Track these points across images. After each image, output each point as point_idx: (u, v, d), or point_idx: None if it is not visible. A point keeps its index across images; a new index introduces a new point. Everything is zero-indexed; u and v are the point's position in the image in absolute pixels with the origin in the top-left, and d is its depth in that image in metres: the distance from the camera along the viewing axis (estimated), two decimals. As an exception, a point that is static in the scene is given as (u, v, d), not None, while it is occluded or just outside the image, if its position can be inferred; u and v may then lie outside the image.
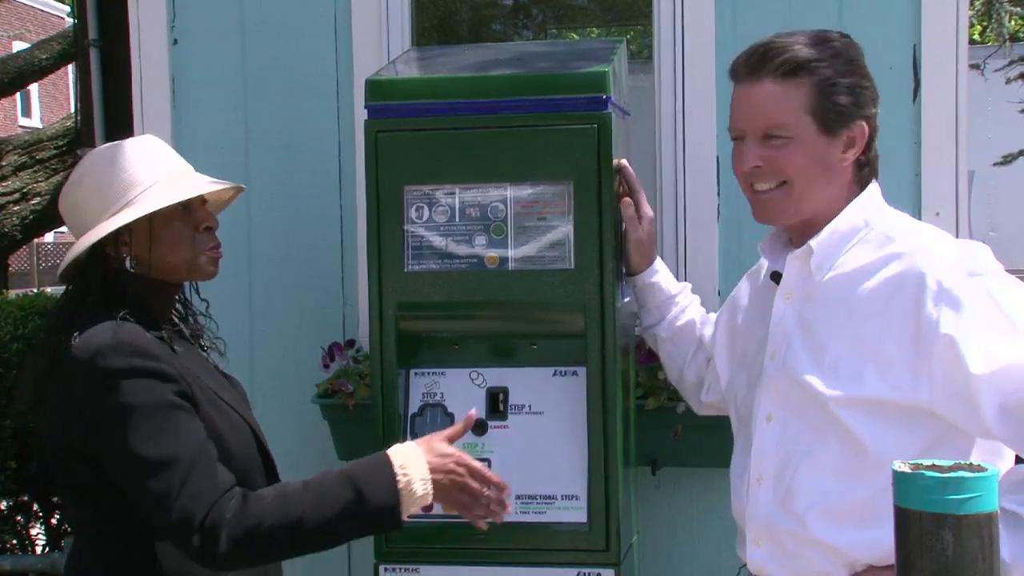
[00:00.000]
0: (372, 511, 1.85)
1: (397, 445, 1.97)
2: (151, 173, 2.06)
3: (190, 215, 2.09)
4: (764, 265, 2.16)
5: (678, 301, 2.47)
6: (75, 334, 1.93)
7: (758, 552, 2.01)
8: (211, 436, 1.95)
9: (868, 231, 1.93)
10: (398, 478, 1.87)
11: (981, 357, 1.75)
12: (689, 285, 2.56)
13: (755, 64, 1.93)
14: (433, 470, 1.91)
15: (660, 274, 2.47)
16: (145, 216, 2.01)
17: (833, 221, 1.93)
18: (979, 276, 1.81)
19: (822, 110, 1.90)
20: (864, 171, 1.96)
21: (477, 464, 1.96)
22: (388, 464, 1.90)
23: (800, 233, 2.00)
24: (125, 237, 2.03)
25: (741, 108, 1.97)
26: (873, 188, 1.97)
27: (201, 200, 2.12)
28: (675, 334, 2.46)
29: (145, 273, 2.05)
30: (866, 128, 1.91)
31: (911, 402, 1.81)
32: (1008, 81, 9.70)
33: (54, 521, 4.57)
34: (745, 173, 1.98)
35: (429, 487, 1.89)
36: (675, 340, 2.46)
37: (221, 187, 2.14)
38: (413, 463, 1.90)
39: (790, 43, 1.92)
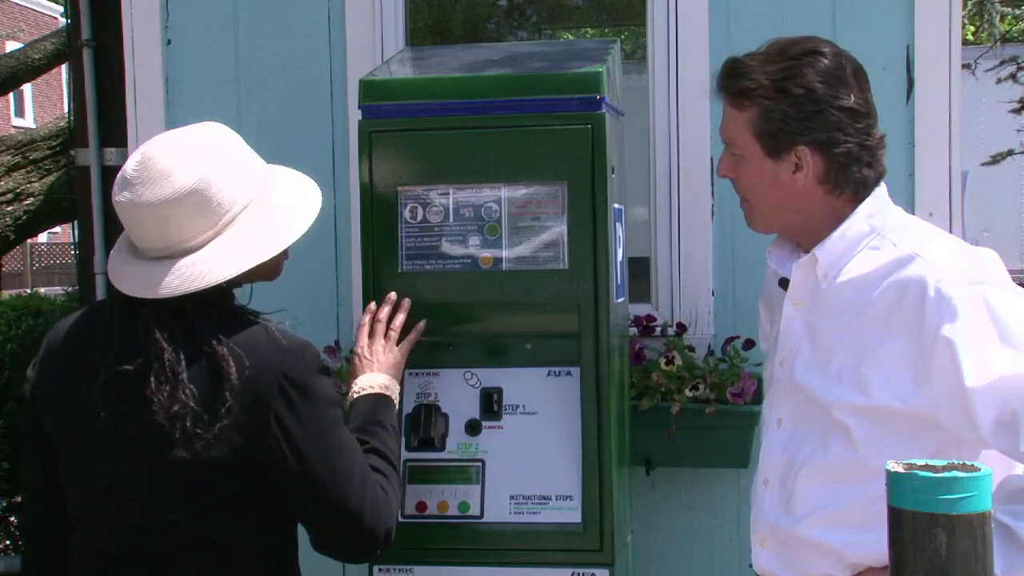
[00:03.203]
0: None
1: (373, 381, 2.25)
2: (262, 173, 1.99)
3: None
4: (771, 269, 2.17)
5: None
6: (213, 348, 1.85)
7: (763, 553, 2.02)
8: None
9: (874, 237, 1.92)
10: (394, 401, 2.25)
11: (975, 369, 1.75)
12: None
13: (718, 82, 2.01)
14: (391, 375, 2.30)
15: None
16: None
17: (839, 228, 1.92)
18: (980, 285, 1.80)
19: (762, 135, 1.93)
20: (843, 190, 1.93)
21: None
22: (389, 400, 2.24)
23: (803, 239, 2.00)
24: None
25: (722, 118, 2.04)
26: (879, 192, 1.96)
27: None
28: None
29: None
30: (808, 153, 1.90)
31: (914, 411, 1.81)
32: (999, 81, 9.74)
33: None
34: (721, 178, 2.08)
35: (393, 380, 2.29)
36: None
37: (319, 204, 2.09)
38: (392, 384, 2.28)
39: (748, 66, 1.95)
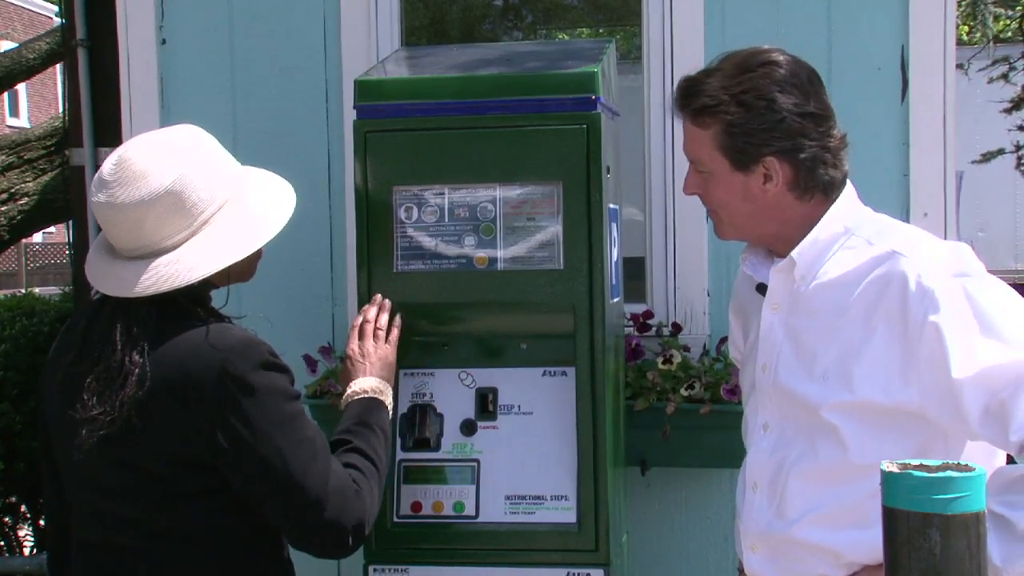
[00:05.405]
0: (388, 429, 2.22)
1: (365, 385, 2.24)
2: (237, 174, 2.01)
3: None
4: (744, 273, 2.17)
5: None
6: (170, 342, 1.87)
7: (754, 558, 2.02)
8: None
9: (848, 237, 1.93)
10: (386, 404, 2.23)
11: (961, 360, 1.76)
12: None
13: (676, 103, 2.00)
14: (382, 375, 2.27)
15: None
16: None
17: (813, 230, 1.94)
18: (961, 277, 1.82)
19: (729, 150, 1.93)
20: (812, 195, 1.94)
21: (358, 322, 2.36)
22: (379, 403, 2.21)
23: (777, 246, 2.01)
24: None
25: (683, 137, 2.04)
26: (848, 192, 1.98)
27: None
28: None
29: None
30: (776, 162, 1.91)
31: (902, 406, 1.81)
32: (990, 81, 9.78)
33: (42, 522, 4.56)
34: (688, 195, 2.08)
35: (383, 382, 2.26)
36: None
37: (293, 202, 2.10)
38: (382, 386, 2.26)
39: (705, 83, 1.95)
